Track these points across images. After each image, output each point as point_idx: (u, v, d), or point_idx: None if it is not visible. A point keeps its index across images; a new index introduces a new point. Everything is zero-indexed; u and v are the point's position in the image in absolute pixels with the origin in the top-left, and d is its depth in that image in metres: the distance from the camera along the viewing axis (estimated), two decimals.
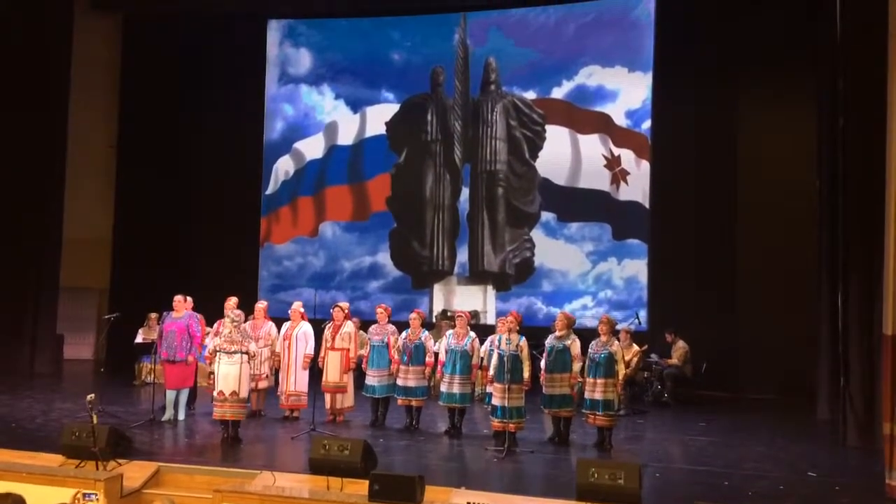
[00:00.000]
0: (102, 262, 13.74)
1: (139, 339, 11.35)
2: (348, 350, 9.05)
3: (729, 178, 12.00)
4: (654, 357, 10.98)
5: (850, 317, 8.51)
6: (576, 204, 12.67)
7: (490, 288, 13.01)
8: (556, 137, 12.82)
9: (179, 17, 13.63)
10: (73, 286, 13.08)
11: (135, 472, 6.68)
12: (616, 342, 8.33)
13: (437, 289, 13.20)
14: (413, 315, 9.11)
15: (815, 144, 10.27)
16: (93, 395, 6.74)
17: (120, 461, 6.79)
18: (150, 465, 6.92)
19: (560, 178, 12.76)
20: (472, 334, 8.78)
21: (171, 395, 8.94)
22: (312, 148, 13.92)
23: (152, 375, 10.19)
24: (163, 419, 8.84)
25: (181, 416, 8.96)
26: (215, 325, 9.07)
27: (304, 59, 14.04)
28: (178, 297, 9.12)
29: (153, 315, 11.08)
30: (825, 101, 9.69)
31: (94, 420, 6.64)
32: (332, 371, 9.02)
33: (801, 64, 10.96)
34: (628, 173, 12.46)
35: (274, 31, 14.17)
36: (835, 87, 8.98)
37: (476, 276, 13.06)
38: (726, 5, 11.80)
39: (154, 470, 6.83)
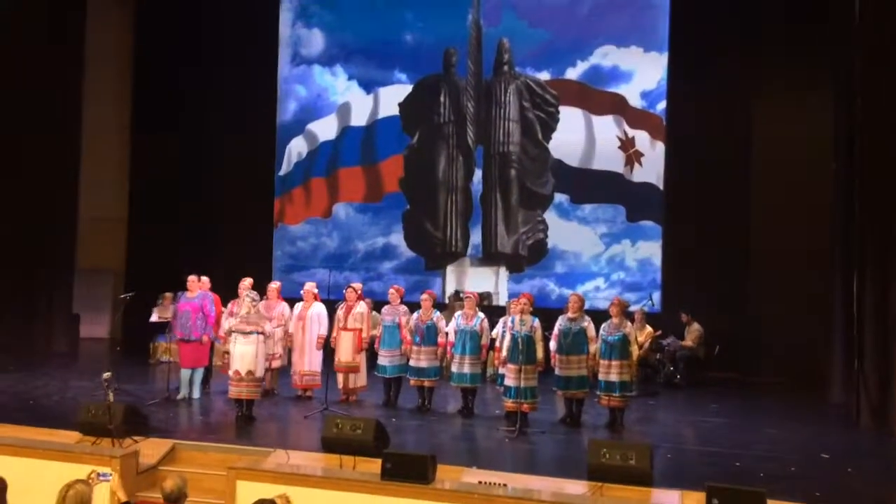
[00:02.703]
0: (118, 243, 13.83)
1: (154, 318, 11.44)
2: (361, 330, 9.09)
3: (744, 159, 11.89)
4: (670, 339, 10.95)
5: (864, 300, 8.46)
6: (589, 185, 12.61)
7: (503, 269, 13.00)
8: (570, 119, 12.73)
9: None
10: (89, 266, 13.20)
11: (150, 450, 6.76)
12: (629, 324, 8.33)
13: (450, 270, 13.21)
14: (424, 296, 9.13)
15: (832, 126, 10.15)
16: (109, 373, 6.81)
17: (136, 438, 6.87)
18: (165, 442, 7.01)
19: (573, 160, 12.69)
20: (482, 315, 8.80)
21: (185, 373, 9.03)
22: (325, 129, 13.90)
23: (167, 354, 10.30)
24: (178, 397, 8.94)
25: (196, 395, 9.05)
26: (230, 305, 9.13)
27: (316, 40, 13.99)
28: (191, 277, 9.19)
29: (168, 294, 11.17)
30: (842, 83, 9.56)
31: (110, 398, 6.72)
32: (345, 351, 9.07)
33: (818, 44, 10.78)
34: (642, 155, 12.38)
35: (286, 11, 14.11)
36: (852, 67, 8.86)
37: (489, 257, 13.05)
38: None
39: (169, 447, 6.91)
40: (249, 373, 8.07)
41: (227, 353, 8.52)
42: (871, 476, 6.65)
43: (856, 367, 8.54)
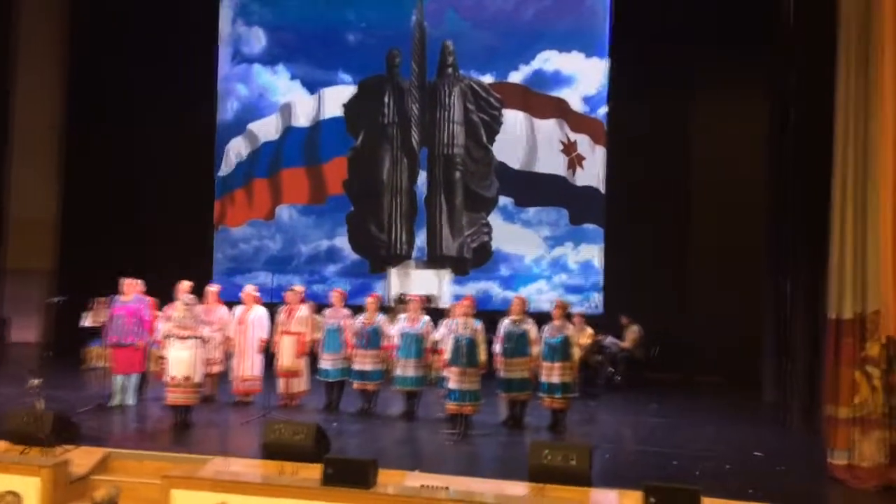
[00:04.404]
0: (49, 243, 13.36)
1: (86, 322, 11.06)
2: (303, 334, 8.98)
3: (683, 164, 12.20)
4: (610, 339, 11.12)
5: (795, 301, 8.73)
6: (533, 189, 12.72)
7: (447, 272, 13.01)
8: (513, 122, 12.84)
9: None
10: (18, 267, 12.71)
11: (82, 459, 6.54)
12: (570, 326, 8.42)
13: (395, 273, 13.16)
14: (369, 299, 9.10)
15: (767, 133, 10.45)
16: (38, 379, 6.58)
17: (67, 447, 6.64)
18: (97, 451, 6.79)
19: (517, 163, 12.80)
20: (426, 318, 8.81)
21: (119, 380, 8.78)
22: (267, 129, 13.69)
23: (101, 360, 10.00)
24: (111, 404, 8.67)
25: (130, 402, 8.81)
26: (165, 309, 8.90)
27: (257, 39, 13.78)
28: (126, 280, 8.94)
29: (101, 298, 10.80)
30: (778, 91, 9.85)
31: (40, 405, 6.48)
32: (287, 355, 8.95)
33: (755, 51, 11.09)
34: (584, 158, 12.56)
35: (226, 8, 13.83)
36: (786, 74, 9.14)
37: (434, 260, 13.05)
38: None
39: (102, 456, 6.70)
40: (186, 378, 7.89)
41: (163, 358, 8.32)
42: (799, 473, 6.87)
43: (786, 367, 8.80)
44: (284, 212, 13.67)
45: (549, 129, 12.70)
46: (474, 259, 12.93)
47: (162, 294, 9.29)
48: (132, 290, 8.90)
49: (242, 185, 13.75)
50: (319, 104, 13.54)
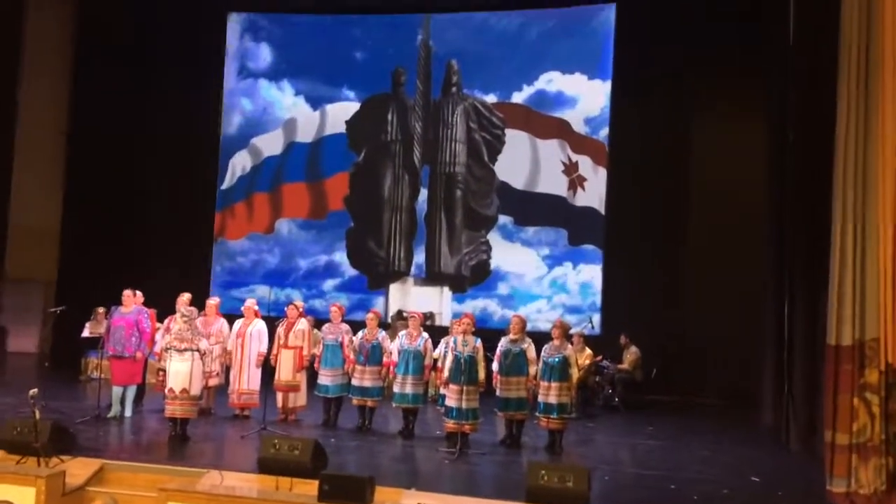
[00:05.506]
0: (49, 253, 13.37)
1: (86, 333, 11.07)
2: (302, 348, 8.97)
3: (683, 187, 12.25)
4: (606, 362, 11.12)
5: (795, 326, 8.73)
6: (533, 208, 12.78)
7: (446, 289, 13.03)
8: (515, 141, 12.92)
9: (137, 4, 13.33)
10: (18, 277, 12.71)
11: (78, 469, 6.51)
12: (569, 346, 8.41)
13: (394, 289, 13.17)
14: (370, 315, 9.08)
15: (767, 155, 10.51)
16: (35, 389, 6.55)
17: (63, 458, 6.61)
18: (93, 462, 6.76)
19: (518, 182, 12.86)
20: (425, 335, 8.78)
21: (117, 391, 8.75)
22: (270, 144, 13.78)
23: (98, 371, 9.97)
24: (108, 416, 8.64)
25: (128, 413, 8.78)
26: (166, 321, 8.90)
27: (264, 54, 13.90)
28: (126, 292, 8.93)
29: (101, 309, 10.82)
30: (777, 114, 9.91)
31: (37, 415, 6.46)
32: (285, 369, 8.93)
33: (755, 75, 11.18)
34: (585, 179, 12.61)
35: (234, 23, 13.98)
36: (786, 98, 9.19)
37: (432, 277, 13.07)
38: (685, 17, 12.00)
39: (98, 467, 6.67)
40: (184, 391, 7.86)
41: (162, 370, 8.29)
42: (797, 499, 6.84)
43: (785, 391, 8.80)
44: (284, 226, 13.71)
45: (551, 150, 12.78)
46: (472, 277, 12.96)
47: (161, 305, 9.30)
48: (132, 301, 8.89)
49: (243, 198, 13.80)
50: (322, 120, 13.62)
